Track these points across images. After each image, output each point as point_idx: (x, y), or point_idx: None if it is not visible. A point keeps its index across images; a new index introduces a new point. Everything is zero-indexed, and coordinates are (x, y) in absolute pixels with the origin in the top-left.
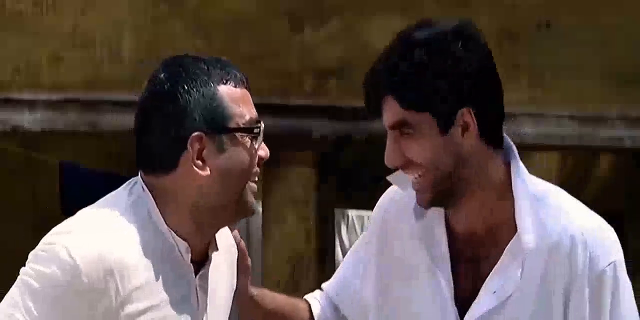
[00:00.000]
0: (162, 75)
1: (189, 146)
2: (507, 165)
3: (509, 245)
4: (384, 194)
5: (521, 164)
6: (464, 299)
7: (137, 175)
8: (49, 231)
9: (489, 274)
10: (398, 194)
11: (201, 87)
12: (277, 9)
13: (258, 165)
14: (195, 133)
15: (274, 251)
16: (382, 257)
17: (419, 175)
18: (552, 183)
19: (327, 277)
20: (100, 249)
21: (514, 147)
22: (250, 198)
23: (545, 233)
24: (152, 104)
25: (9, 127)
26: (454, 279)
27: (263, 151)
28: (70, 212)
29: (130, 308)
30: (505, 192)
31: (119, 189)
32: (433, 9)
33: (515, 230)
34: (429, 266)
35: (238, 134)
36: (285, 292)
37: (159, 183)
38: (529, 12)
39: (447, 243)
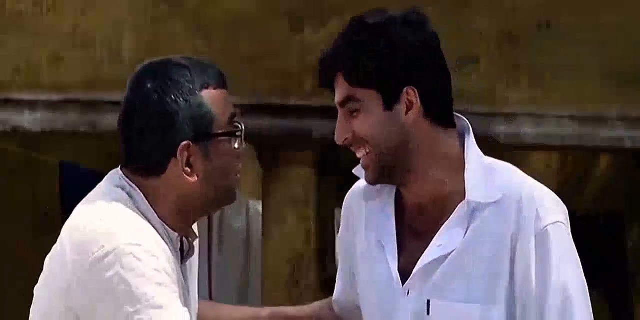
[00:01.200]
0: (148, 84)
1: (178, 155)
2: (462, 142)
3: (458, 206)
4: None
5: (474, 140)
6: (407, 265)
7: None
8: (48, 231)
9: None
10: (358, 185)
11: (188, 95)
12: (277, 9)
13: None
14: (184, 142)
15: (274, 251)
16: (351, 242)
17: (366, 153)
18: (552, 183)
19: (327, 277)
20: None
21: (468, 125)
22: (235, 189)
23: (493, 191)
24: (140, 112)
25: (9, 128)
26: (400, 253)
27: (236, 144)
28: (70, 212)
29: None
30: (459, 165)
31: (105, 185)
32: (432, 10)
33: (460, 198)
34: (377, 242)
35: (222, 138)
36: (285, 292)
37: (146, 183)
38: (529, 12)
39: (394, 218)
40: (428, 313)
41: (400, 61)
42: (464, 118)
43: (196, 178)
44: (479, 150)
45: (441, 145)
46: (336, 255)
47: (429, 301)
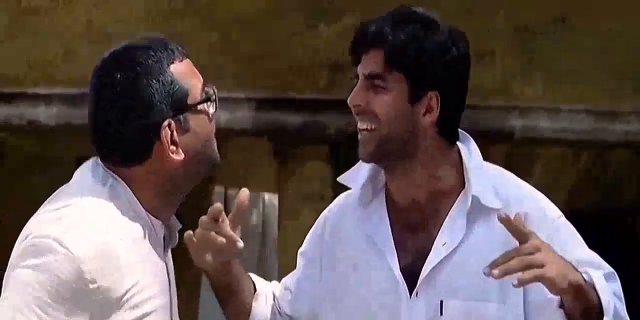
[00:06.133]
0: (118, 74)
1: (162, 136)
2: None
3: (455, 204)
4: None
5: (476, 148)
6: (409, 266)
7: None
8: None
9: (430, 241)
10: (342, 199)
11: (159, 76)
12: (292, 4)
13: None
14: (165, 121)
15: (290, 246)
16: (332, 255)
17: (371, 128)
18: (566, 177)
19: None
20: (99, 241)
21: (469, 138)
22: (217, 154)
23: (497, 197)
24: (116, 103)
25: (24, 121)
26: (398, 254)
27: (212, 108)
28: None
29: (130, 298)
30: (457, 167)
31: (84, 176)
32: (448, 4)
33: (457, 195)
34: (373, 247)
35: (199, 107)
36: None
37: (129, 172)
38: (546, 6)
39: (388, 221)
40: (441, 313)
41: (442, 66)
42: (466, 134)
43: (182, 156)
44: (480, 157)
45: (443, 151)
46: None
47: (441, 301)
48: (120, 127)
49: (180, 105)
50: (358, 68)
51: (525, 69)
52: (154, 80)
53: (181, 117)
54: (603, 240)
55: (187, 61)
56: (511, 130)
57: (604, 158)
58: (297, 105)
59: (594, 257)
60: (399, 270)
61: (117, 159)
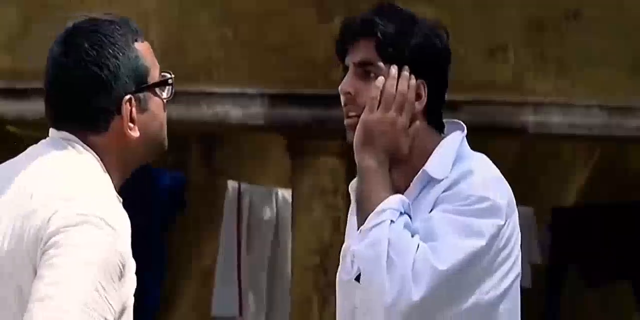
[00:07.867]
0: (85, 44)
1: (123, 110)
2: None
3: (414, 179)
4: None
5: (462, 137)
6: None
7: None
8: None
9: None
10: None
11: (125, 49)
12: None
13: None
14: (127, 96)
15: (303, 241)
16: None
17: (356, 115)
18: (580, 172)
19: None
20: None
21: (463, 126)
22: (166, 139)
23: (447, 170)
24: (79, 70)
25: (39, 116)
26: None
27: (166, 93)
28: None
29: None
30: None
31: (50, 146)
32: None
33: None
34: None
35: (156, 88)
36: (313, 280)
37: (88, 142)
38: (558, 2)
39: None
40: None
41: (429, 57)
42: (461, 122)
43: (138, 133)
44: (463, 144)
45: (426, 140)
46: None
47: None
48: (83, 94)
49: (141, 82)
50: (347, 59)
51: (538, 64)
52: (120, 53)
53: (141, 95)
54: (618, 236)
55: (147, 44)
56: (525, 125)
57: (617, 153)
58: (310, 101)
59: (452, 247)
60: None
61: (74, 126)
